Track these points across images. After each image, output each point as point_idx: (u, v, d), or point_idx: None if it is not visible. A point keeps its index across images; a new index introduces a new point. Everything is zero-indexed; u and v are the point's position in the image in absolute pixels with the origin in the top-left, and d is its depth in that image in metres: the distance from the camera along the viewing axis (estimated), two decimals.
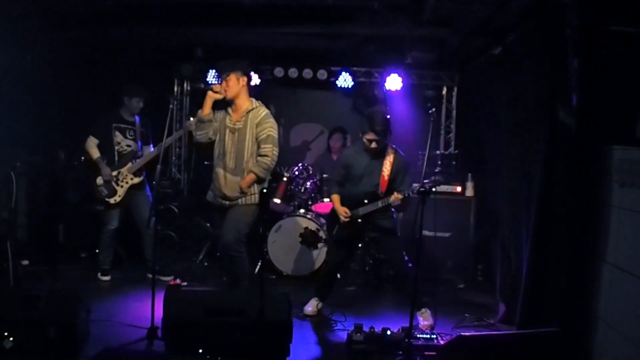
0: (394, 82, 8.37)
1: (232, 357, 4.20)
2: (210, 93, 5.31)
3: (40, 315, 4.33)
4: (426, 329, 5.37)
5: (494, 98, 6.57)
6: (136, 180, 6.61)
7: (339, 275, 6.39)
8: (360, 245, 6.70)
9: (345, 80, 8.57)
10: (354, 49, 7.88)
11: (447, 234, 7.16)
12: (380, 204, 5.46)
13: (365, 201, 5.54)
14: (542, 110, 5.08)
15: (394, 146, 5.66)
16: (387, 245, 5.76)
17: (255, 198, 5.44)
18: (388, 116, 5.52)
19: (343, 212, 5.60)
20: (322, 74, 8.58)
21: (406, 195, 5.31)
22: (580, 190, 4.55)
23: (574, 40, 4.47)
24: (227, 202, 5.44)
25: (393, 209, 5.65)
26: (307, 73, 8.56)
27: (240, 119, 5.42)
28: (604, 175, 4.33)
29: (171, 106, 5.34)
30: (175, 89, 9.28)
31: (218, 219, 5.63)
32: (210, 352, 4.23)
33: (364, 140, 5.51)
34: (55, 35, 6.87)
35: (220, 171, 5.46)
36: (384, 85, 8.48)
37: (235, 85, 5.35)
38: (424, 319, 5.59)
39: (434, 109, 4.84)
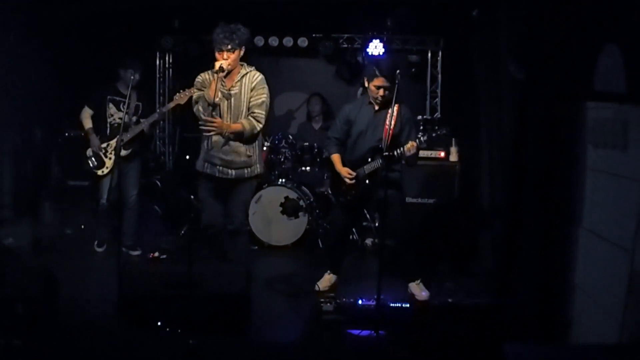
0: (376, 47, 8.18)
1: (191, 330, 4.14)
2: (219, 75, 4.91)
3: (7, 291, 4.27)
4: (422, 300, 5.24)
5: (475, 61, 6.43)
6: (124, 152, 6.45)
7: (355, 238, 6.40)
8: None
9: (375, 47, 8.20)
10: (334, 14, 7.71)
11: (431, 200, 7.00)
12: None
13: (369, 159, 5.09)
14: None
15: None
16: (391, 210, 5.09)
17: (258, 168, 5.22)
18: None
19: (346, 173, 5.13)
20: (303, 42, 8.43)
21: (420, 142, 4.88)
22: (553, 152, 4.43)
23: None
24: (233, 172, 5.11)
25: (404, 162, 5.18)
26: (288, 41, 8.43)
27: (235, 84, 5.07)
28: (577, 135, 4.17)
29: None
30: (158, 62, 9.18)
31: (210, 190, 5.25)
32: (170, 326, 4.22)
33: (371, 87, 5.05)
34: (33, 12, 6.79)
35: (219, 138, 5.05)
36: (366, 51, 8.29)
37: (238, 57, 5.04)
38: (419, 290, 5.35)
39: (398, 71, 4.62)
